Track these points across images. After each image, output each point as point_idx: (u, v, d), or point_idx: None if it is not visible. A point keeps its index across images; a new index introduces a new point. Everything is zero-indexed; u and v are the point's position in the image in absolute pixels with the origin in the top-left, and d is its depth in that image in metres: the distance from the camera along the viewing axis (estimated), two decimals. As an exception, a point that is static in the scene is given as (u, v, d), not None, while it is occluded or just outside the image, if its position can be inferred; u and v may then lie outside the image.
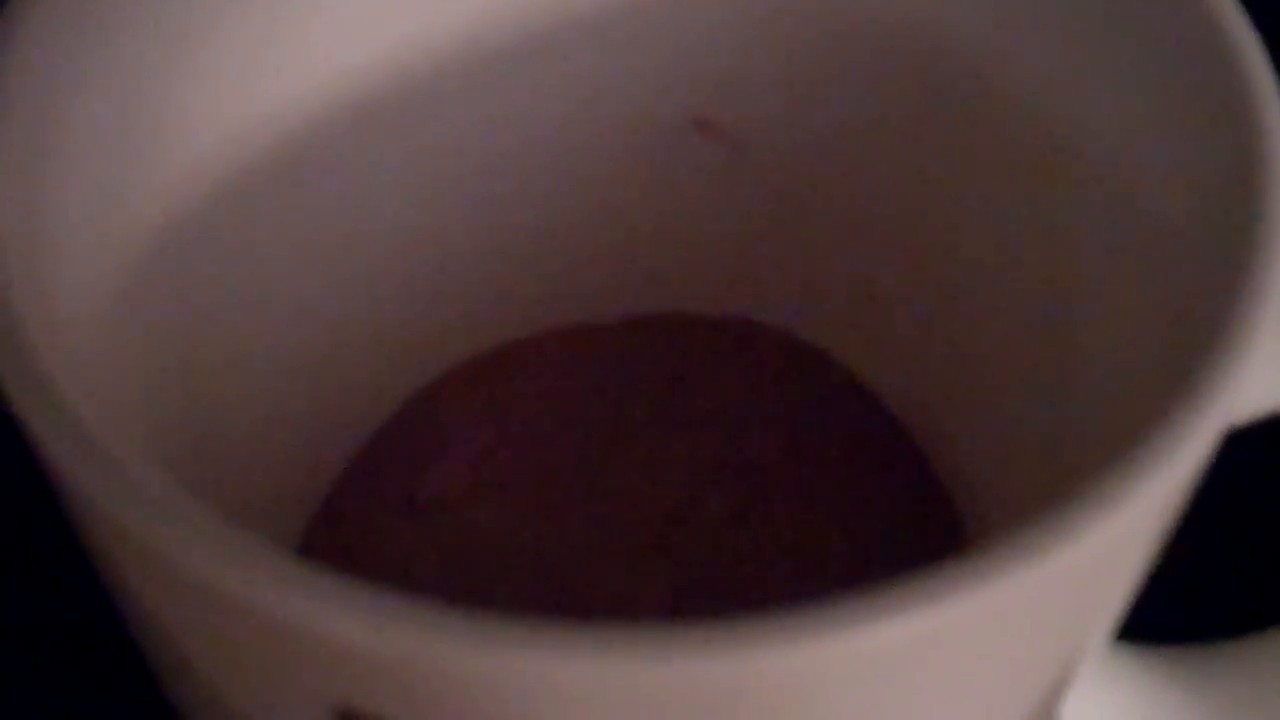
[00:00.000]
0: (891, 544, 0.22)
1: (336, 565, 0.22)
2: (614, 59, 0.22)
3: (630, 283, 0.24)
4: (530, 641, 0.13)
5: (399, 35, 0.21)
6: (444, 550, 0.23)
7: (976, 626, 0.14)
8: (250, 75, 0.20)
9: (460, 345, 0.24)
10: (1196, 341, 0.15)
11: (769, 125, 0.23)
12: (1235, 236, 0.16)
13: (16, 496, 0.25)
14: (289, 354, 0.22)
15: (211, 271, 0.20)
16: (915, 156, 0.22)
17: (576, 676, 0.13)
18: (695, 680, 0.13)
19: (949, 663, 0.14)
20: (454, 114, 0.22)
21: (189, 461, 0.19)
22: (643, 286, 0.24)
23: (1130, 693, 0.20)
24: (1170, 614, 0.21)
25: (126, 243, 0.18)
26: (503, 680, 0.13)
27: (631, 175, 0.23)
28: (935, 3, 0.21)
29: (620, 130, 0.23)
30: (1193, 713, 0.20)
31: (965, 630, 0.14)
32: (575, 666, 0.13)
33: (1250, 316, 0.15)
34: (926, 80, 0.21)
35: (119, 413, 0.16)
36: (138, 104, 0.19)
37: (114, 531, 0.14)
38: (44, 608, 0.25)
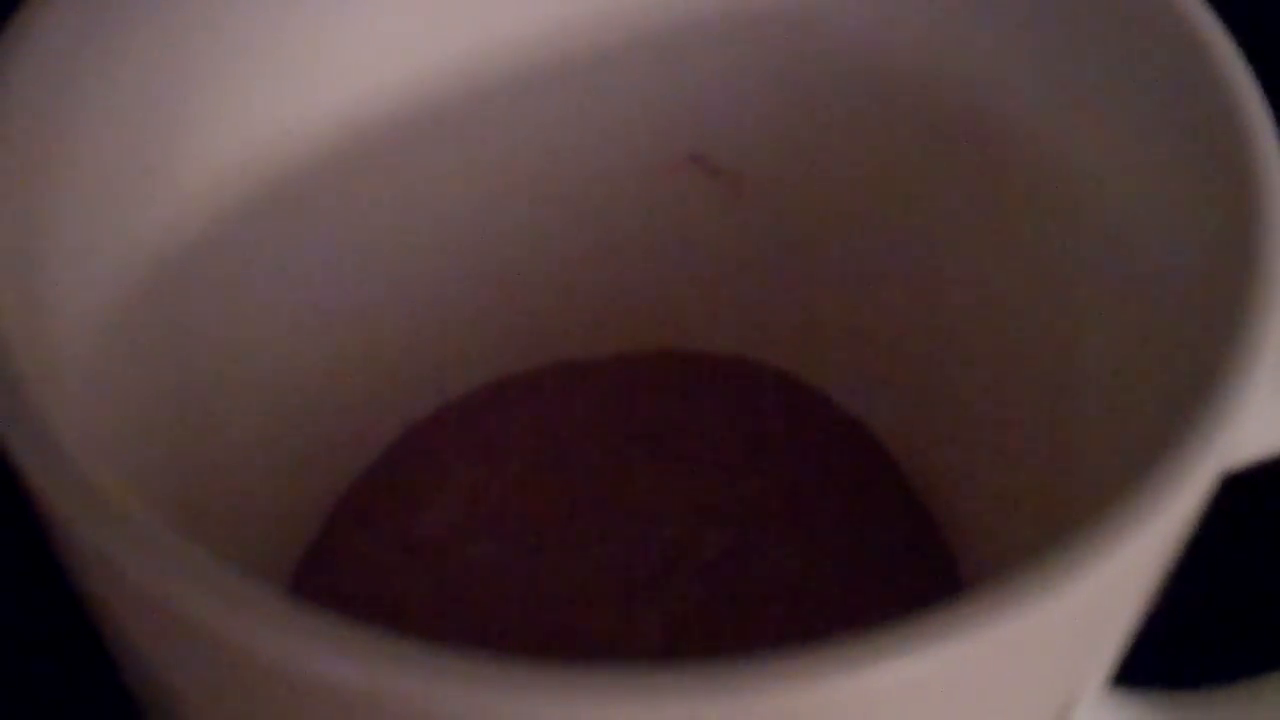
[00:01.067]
0: (887, 586, 0.22)
1: (330, 602, 0.22)
2: (613, 97, 0.22)
3: (627, 320, 0.24)
4: (527, 683, 0.13)
5: (396, 76, 0.21)
6: (438, 588, 0.23)
7: (971, 670, 0.14)
8: (249, 112, 0.20)
9: (455, 381, 0.24)
10: (1193, 386, 0.15)
11: (767, 164, 0.23)
12: (1233, 282, 0.16)
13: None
14: (283, 389, 0.22)
15: (206, 305, 0.20)
16: (914, 199, 0.22)
17: (573, 718, 0.13)
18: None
19: (943, 706, 0.14)
20: (451, 152, 0.22)
21: (181, 496, 0.19)
22: (640, 324, 0.24)
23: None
24: (1166, 659, 0.21)
25: (122, 274, 0.18)
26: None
27: (629, 213, 0.23)
28: (935, 47, 0.21)
29: (618, 168, 0.23)
30: (1188, 758, 0.20)
31: (960, 674, 0.14)
32: (571, 708, 0.13)
33: (1247, 361, 0.15)
34: (926, 123, 0.21)
35: (110, 446, 0.16)
36: (137, 136, 0.19)
37: (109, 575, 0.14)
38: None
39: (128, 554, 0.14)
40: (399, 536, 0.23)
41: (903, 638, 0.13)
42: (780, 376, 0.24)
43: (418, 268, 0.23)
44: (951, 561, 0.22)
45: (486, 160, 0.22)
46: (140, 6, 0.18)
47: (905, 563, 0.22)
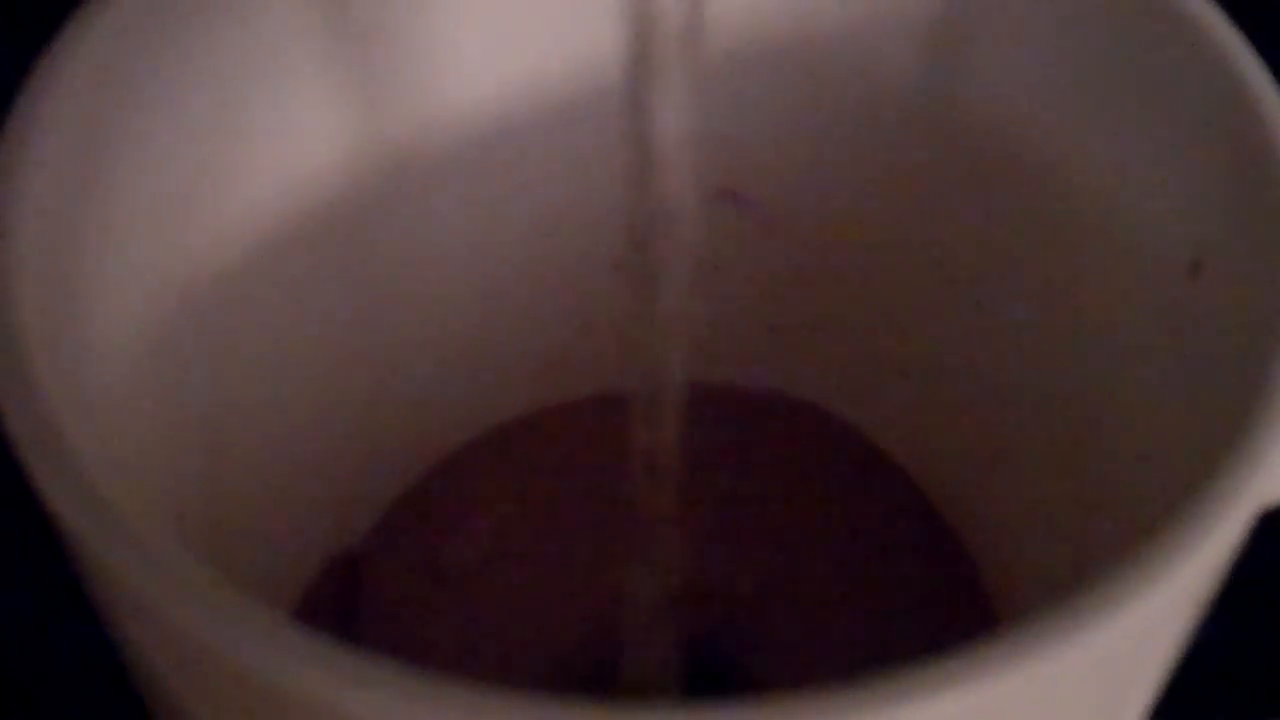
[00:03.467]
0: (920, 622, 0.22)
1: (358, 628, 0.22)
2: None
3: (660, 354, 0.24)
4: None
5: (434, 110, 0.21)
6: (466, 616, 0.23)
7: (1004, 709, 0.14)
8: (282, 155, 0.20)
9: (488, 412, 0.24)
10: (1231, 422, 0.15)
11: (797, 198, 0.23)
12: (1267, 316, 0.16)
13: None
14: (313, 420, 0.22)
15: (236, 339, 0.20)
16: (945, 233, 0.22)
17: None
18: None
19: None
20: (486, 186, 0.22)
21: (209, 525, 0.19)
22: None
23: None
24: (1204, 700, 0.21)
25: (154, 304, 0.18)
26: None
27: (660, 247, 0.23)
28: (966, 77, 0.21)
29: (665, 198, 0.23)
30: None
31: (992, 713, 0.14)
32: None
33: (1283, 397, 0.15)
34: (958, 158, 0.21)
35: (137, 476, 0.16)
36: (172, 170, 0.19)
37: (134, 608, 0.14)
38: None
39: (143, 578, 0.14)
40: (430, 565, 0.23)
41: (936, 676, 0.13)
42: (813, 410, 0.24)
43: (452, 302, 0.23)
44: (985, 598, 0.22)
45: (522, 194, 0.22)
46: (178, 39, 0.19)
47: (938, 598, 0.22)
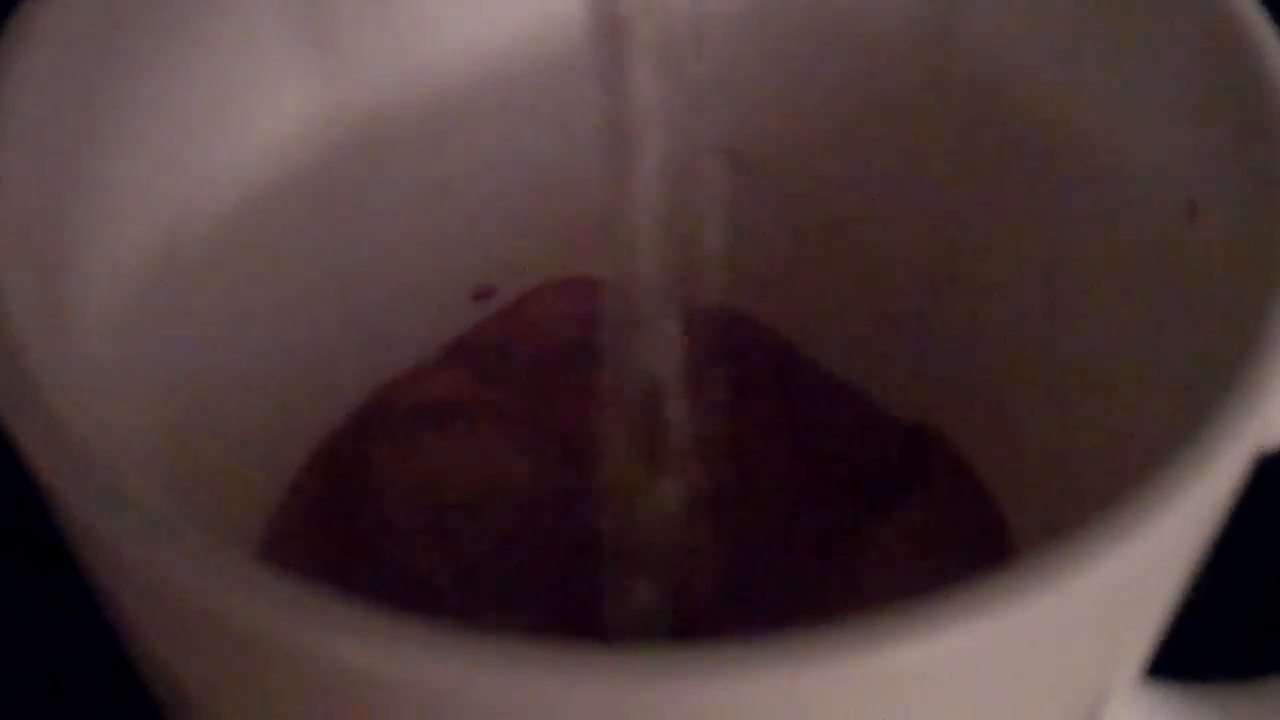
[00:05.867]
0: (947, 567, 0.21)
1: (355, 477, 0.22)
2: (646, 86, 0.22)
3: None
4: (553, 664, 0.12)
5: (398, 70, 0.21)
6: (464, 472, 0.22)
7: (1009, 645, 0.13)
8: (259, 115, 0.20)
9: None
10: (1227, 363, 0.15)
11: (792, 150, 0.22)
12: (1264, 259, 0.16)
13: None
14: (291, 368, 0.21)
15: (216, 293, 0.20)
16: (943, 180, 0.22)
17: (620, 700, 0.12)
18: (727, 699, 0.13)
19: (980, 683, 0.14)
20: (471, 142, 0.22)
21: (185, 472, 0.18)
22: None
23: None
24: (1203, 649, 0.21)
25: (135, 264, 0.18)
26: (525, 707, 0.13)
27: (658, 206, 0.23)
28: (969, 28, 0.20)
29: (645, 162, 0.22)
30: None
31: (997, 648, 0.13)
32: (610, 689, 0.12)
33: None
34: (957, 106, 0.21)
35: (116, 428, 0.16)
36: (150, 139, 0.19)
37: (116, 561, 0.14)
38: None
39: (121, 527, 0.13)
40: (413, 409, 0.23)
41: (943, 610, 0.13)
42: (810, 365, 0.24)
43: (430, 248, 0.23)
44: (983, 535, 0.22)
45: (504, 148, 0.22)
46: (157, 3, 0.18)
47: (964, 553, 0.22)
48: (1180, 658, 0.19)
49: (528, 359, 0.23)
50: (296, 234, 0.21)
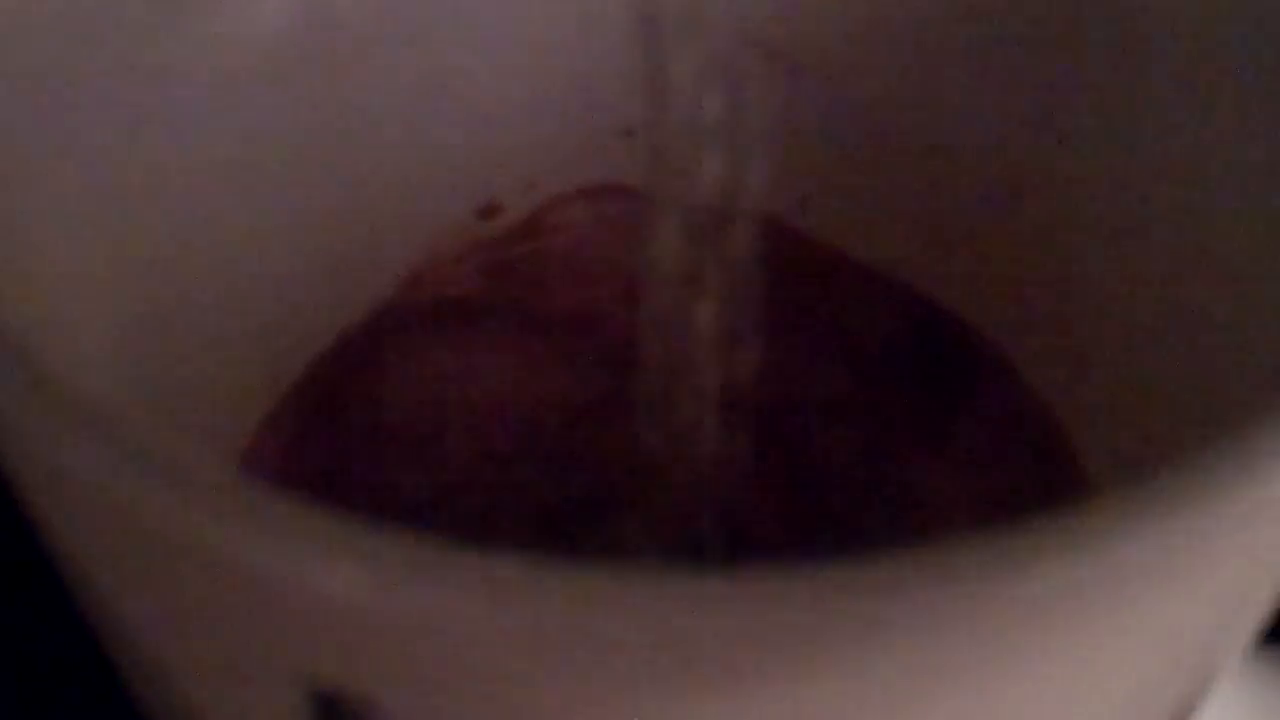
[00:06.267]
0: (1017, 498, 0.20)
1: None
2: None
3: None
4: (559, 587, 0.10)
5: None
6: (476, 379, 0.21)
7: (1102, 584, 0.11)
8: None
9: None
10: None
11: (830, 47, 0.21)
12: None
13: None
14: (277, 249, 0.20)
15: (191, 178, 0.18)
16: (1012, 90, 0.20)
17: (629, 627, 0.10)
18: (758, 631, 0.11)
19: (1083, 633, 0.11)
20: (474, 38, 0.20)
21: (160, 375, 0.17)
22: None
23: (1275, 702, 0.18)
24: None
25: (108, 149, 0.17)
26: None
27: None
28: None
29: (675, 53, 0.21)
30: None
31: (1094, 589, 0.11)
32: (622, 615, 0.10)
33: None
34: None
35: (77, 332, 0.14)
36: (122, 20, 0.17)
37: (52, 470, 0.12)
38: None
39: (74, 444, 0.11)
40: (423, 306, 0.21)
41: (1041, 541, 0.11)
42: (905, 290, 0.22)
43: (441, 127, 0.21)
44: (1085, 481, 0.20)
45: (525, 50, 0.21)
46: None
47: (1037, 486, 0.20)
48: None
49: (556, 264, 0.22)
50: (279, 125, 0.19)
